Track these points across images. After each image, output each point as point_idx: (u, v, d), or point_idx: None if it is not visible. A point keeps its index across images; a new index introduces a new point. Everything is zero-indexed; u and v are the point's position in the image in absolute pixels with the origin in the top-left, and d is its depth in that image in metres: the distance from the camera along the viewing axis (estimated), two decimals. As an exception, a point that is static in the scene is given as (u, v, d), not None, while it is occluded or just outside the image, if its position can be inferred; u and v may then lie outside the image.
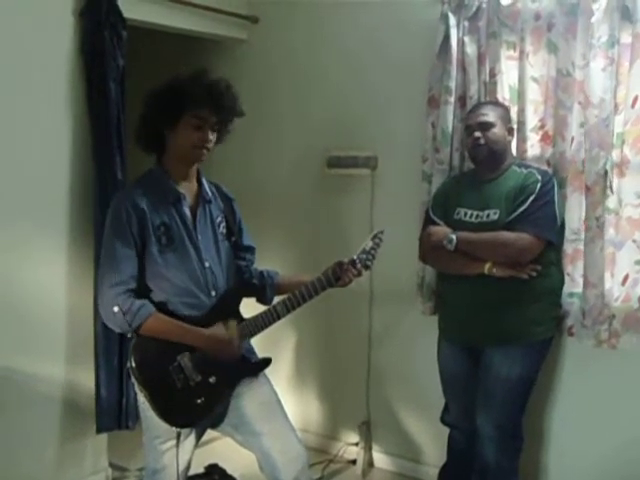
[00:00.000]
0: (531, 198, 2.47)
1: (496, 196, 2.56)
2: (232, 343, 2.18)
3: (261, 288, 2.39)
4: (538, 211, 2.46)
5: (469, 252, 2.53)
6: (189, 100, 2.14)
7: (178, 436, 2.16)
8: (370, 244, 2.30)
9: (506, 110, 2.69)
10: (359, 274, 2.28)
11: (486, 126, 2.58)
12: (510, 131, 2.65)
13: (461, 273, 2.57)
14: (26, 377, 2.83)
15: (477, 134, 2.58)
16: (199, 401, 2.16)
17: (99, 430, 3.06)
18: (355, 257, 2.28)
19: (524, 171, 2.56)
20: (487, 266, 2.49)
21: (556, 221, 2.50)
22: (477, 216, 2.58)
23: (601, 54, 2.52)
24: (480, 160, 2.63)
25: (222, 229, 2.31)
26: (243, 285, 2.36)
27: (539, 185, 2.48)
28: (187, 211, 2.21)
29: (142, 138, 2.24)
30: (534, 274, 2.48)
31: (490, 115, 2.59)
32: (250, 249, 2.42)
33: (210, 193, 2.31)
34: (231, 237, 2.34)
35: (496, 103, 2.72)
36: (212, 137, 2.20)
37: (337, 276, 2.25)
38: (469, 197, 2.64)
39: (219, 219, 2.31)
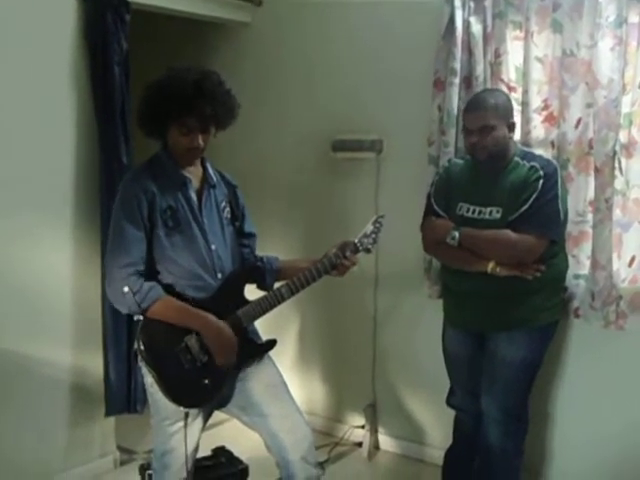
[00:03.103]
0: (534, 196, 2.41)
1: (499, 192, 2.49)
2: (234, 349, 2.18)
3: (262, 273, 2.40)
4: (541, 210, 2.41)
5: (472, 249, 2.50)
6: (172, 110, 2.12)
7: (186, 416, 2.18)
8: (371, 228, 2.33)
9: (507, 102, 2.54)
10: (354, 264, 2.29)
11: (486, 130, 2.43)
12: (511, 127, 2.52)
13: (464, 269, 2.54)
14: (34, 362, 2.85)
15: (475, 139, 2.47)
16: (206, 381, 2.18)
17: (109, 414, 3.09)
18: (356, 240, 2.30)
19: (527, 164, 2.47)
20: (490, 265, 2.45)
21: (559, 218, 2.45)
22: (480, 212, 2.53)
23: (609, 34, 2.50)
24: (480, 161, 2.54)
25: (227, 214, 2.33)
26: (247, 268, 2.37)
27: (541, 182, 2.41)
28: (193, 195, 2.23)
29: (144, 129, 2.23)
30: (538, 274, 2.44)
31: (490, 117, 2.43)
32: (252, 235, 2.44)
33: (215, 178, 2.32)
34: (235, 222, 2.36)
35: (497, 94, 2.57)
36: (202, 140, 2.17)
37: (339, 260, 2.26)
38: (472, 192, 2.58)
39: (223, 204, 2.33)
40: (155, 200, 2.15)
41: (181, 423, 2.20)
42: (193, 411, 2.21)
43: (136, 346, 2.17)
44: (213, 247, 2.23)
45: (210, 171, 2.31)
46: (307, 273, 2.24)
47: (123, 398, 3.06)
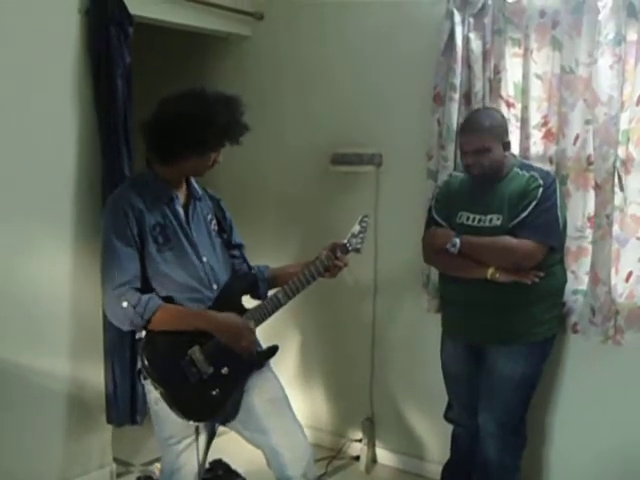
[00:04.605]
0: (533, 204, 2.46)
1: (498, 200, 2.54)
2: (247, 328, 2.19)
3: (255, 282, 2.42)
4: (540, 217, 2.46)
5: (472, 256, 2.53)
6: (217, 140, 2.18)
7: (197, 430, 2.18)
8: (358, 228, 2.36)
9: (502, 121, 2.60)
10: (345, 265, 2.32)
11: (481, 152, 2.49)
12: (506, 146, 2.56)
13: (464, 277, 2.57)
14: (32, 373, 2.84)
15: (470, 160, 2.52)
16: (214, 393, 2.18)
17: (116, 426, 3.09)
18: (346, 241, 2.33)
19: (526, 174, 2.52)
20: (490, 271, 2.49)
21: (558, 225, 2.49)
22: (480, 220, 2.57)
23: (608, 51, 2.52)
24: (476, 180, 2.60)
25: (214, 226, 2.35)
26: (242, 276, 2.39)
27: (541, 190, 2.47)
28: (180, 210, 2.24)
29: (154, 149, 2.22)
30: (537, 280, 2.47)
31: (486, 139, 2.48)
32: (240, 246, 2.46)
33: (199, 191, 2.35)
34: (223, 234, 2.39)
35: (491, 114, 2.62)
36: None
37: (331, 261, 2.28)
38: (472, 201, 2.62)
39: (210, 216, 2.35)
40: (143, 217, 2.15)
41: (187, 440, 2.21)
42: (200, 425, 2.21)
43: (140, 364, 2.17)
44: (204, 259, 2.24)
45: (194, 184, 2.33)
46: (301, 277, 2.27)
47: (126, 409, 3.04)
